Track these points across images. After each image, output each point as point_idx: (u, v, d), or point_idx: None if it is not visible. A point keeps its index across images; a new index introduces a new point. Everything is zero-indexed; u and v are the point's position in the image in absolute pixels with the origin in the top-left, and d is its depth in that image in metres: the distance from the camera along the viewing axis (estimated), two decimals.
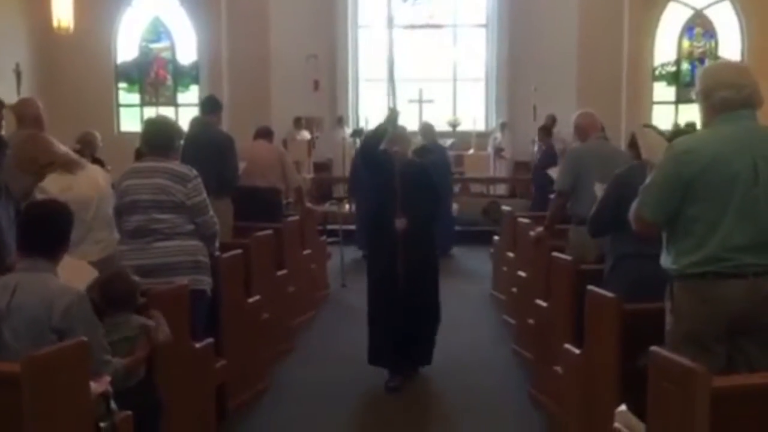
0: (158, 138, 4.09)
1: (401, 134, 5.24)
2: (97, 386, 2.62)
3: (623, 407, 2.73)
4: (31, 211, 2.97)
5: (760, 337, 2.81)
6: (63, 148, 3.95)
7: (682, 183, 2.76)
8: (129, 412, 2.77)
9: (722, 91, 2.81)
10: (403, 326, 4.91)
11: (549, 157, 8.86)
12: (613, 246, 3.75)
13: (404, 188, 4.90)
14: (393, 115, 5.22)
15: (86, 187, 3.90)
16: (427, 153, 8.72)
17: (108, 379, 2.71)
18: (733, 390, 2.24)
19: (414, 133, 10.35)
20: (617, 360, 3.15)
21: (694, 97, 3.09)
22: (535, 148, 13.13)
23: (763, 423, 2.24)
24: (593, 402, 3.29)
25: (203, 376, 3.78)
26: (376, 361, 5.02)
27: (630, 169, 3.86)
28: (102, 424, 2.58)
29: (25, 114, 4.98)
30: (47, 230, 2.87)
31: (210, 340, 3.86)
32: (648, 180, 2.93)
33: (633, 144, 4.19)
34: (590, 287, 3.42)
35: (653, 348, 2.37)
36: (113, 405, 2.69)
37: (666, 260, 2.89)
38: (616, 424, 2.66)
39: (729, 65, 3.08)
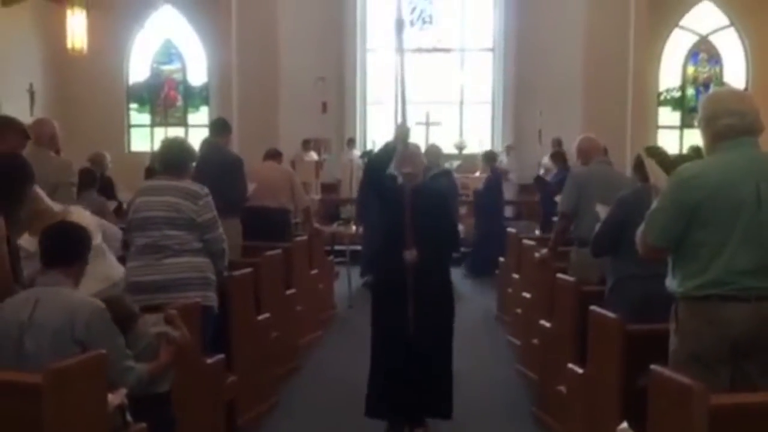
0: (173, 158, 4.19)
1: (413, 153, 4.52)
2: (113, 398, 2.71)
3: (625, 425, 2.80)
4: (50, 231, 3.07)
5: (763, 359, 2.87)
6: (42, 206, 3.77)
7: (688, 209, 2.84)
8: (144, 425, 2.85)
9: (725, 119, 2.89)
10: (412, 377, 4.28)
11: (563, 183, 9.03)
12: (614, 267, 3.84)
13: (416, 217, 4.23)
14: (402, 131, 4.50)
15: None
16: (440, 177, 8.77)
17: (124, 391, 2.80)
18: (731, 408, 2.31)
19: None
20: (619, 379, 3.22)
21: (696, 124, 3.18)
22: (541, 171, 13.26)
23: None
24: (596, 420, 3.36)
25: (214, 391, 3.86)
26: (377, 412, 4.41)
27: (634, 192, 3.95)
28: None
29: (42, 134, 5.13)
30: (65, 248, 2.97)
31: (221, 356, 3.95)
32: (654, 205, 3.02)
33: (638, 166, 4.26)
34: (593, 308, 3.50)
35: (653, 366, 2.44)
36: (129, 417, 2.78)
37: (672, 283, 2.97)
38: None
39: (731, 93, 3.17)
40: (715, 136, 2.93)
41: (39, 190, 3.76)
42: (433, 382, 4.34)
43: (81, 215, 3.82)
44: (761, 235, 2.79)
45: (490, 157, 11.14)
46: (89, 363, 2.54)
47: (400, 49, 4.98)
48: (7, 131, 4.65)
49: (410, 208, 4.22)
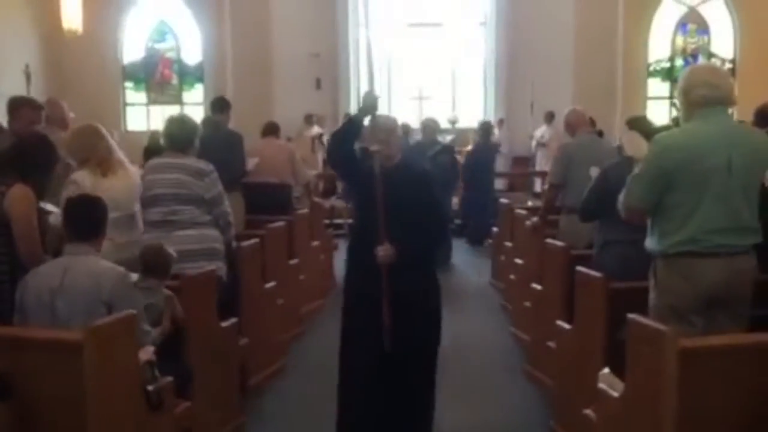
0: (178, 135, 4.39)
1: (384, 128, 3.61)
2: (143, 354, 2.99)
3: (606, 370, 3.09)
4: (72, 206, 3.30)
5: (732, 310, 3.17)
6: (105, 146, 4.17)
7: (665, 174, 3.12)
8: (170, 378, 3.13)
9: (701, 89, 3.15)
10: (387, 400, 3.59)
11: None
12: (601, 232, 4.12)
13: (391, 205, 3.43)
14: (369, 100, 3.58)
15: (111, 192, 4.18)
16: (442, 155, 8.84)
17: (152, 349, 3.08)
18: (699, 349, 2.59)
19: (416, 130, 10.73)
20: (603, 332, 3.51)
21: (675, 95, 3.46)
22: (533, 144, 13.49)
23: (725, 378, 2.58)
24: (582, 370, 3.64)
25: (229, 352, 4.14)
26: None
27: (619, 163, 4.22)
28: (149, 388, 2.94)
29: (53, 115, 5.35)
30: (86, 221, 3.22)
31: (234, 319, 4.22)
32: (635, 171, 3.29)
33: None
34: (579, 268, 3.78)
35: (630, 315, 2.72)
36: (156, 372, 3.05)
37: (651, 242, 3.26)
38: (600, 384, 3.01)
39: (708, 67, 3.48)
40: (692, 105, 3.19)
41: (112, 141, 4.20)
42: (410, 416, 3.64)
43: (133, 173, 4.23)
44: (731, 198, 3.07)
45: (485, 128, 10.78)
46: (123, 322, 2.81)
47: (366, 17, 4.28)
48: (22, 108, 4.90)
49: (382, 194, 3.42)
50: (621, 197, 3.33)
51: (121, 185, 4.05)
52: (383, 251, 3.45)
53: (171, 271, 3.71)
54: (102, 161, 4.10)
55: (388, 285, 3.47)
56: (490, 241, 8.91)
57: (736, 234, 3.11)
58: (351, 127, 3.64)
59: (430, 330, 3.66)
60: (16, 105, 4.92)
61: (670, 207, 3.14)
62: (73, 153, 4.08)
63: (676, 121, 4.33)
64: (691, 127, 3.21)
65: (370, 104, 3.60)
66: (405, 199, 3.49)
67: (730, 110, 3.27)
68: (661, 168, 3.13)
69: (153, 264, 3.62)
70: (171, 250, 3.77)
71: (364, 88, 3.53)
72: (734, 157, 3.08)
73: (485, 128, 10.80)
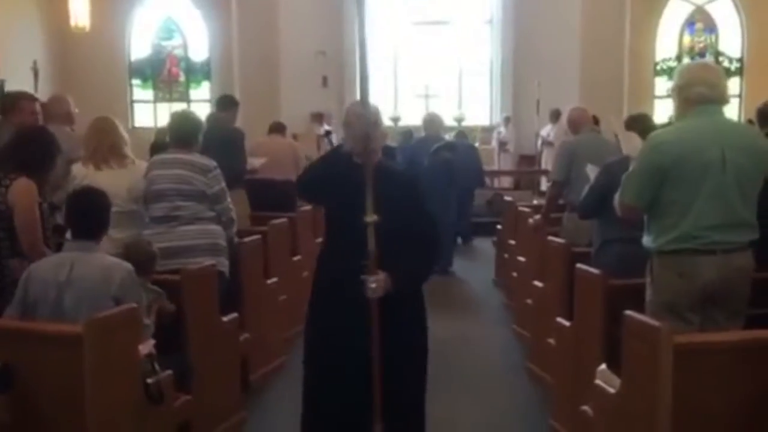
0: (182, 131, 4.42)
1: (361, 118, 3.05)
2: (143, 348, 3.01)
3: (603, 366, 3.10)
4: (75, 202, 3.32)
5: (728, 308, 3.18)
6: (110, 140, 4.24)
7: (660, 171, 3.12)
8: (170, 372, 3.16)
9: (697, 87, 3.17)
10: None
11: None
12: (600, 230, 4.13)
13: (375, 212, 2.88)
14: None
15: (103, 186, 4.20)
16: (442, 151, 8.41)
17: (152, 342, 3.11)
18: (693, 345, 2.61)
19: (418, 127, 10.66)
20: (602, 328, 3.52)
21: (669, 92, 3.46)
22: (539, 142, 13.48)
23: (719, 374, 2.60)
24: (580, 366, 3.65)
25: (230, 347, 4.16)
26: None
27: (619, 160, 4.22)
28: (149, 380, 2.97)
29: (59, 111, 5.40)
30: (90, 218, 3.25)
31: (235, 315, 4.24)
32: (630, 169, 3.30)
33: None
34: (579, 265, 3.79)
35: (627, 312, 2.73)
36: (156, 365, 3.08)
37: (647, 240, 3.26)
38: (597, 381, 3.01)
39: (703, 65, 3.48)
40: (688, 102, 3.20)
41: (121, 136, 4.31)
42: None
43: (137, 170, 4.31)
44: (725, 194, 3.08)
45: (459, 133, 10.96)
46: (124, 315, 2.83)
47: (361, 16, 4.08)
48: (18, 101, 4.92)
49: (373, 203, 2.89)
50: (617, 195, 3.34)
51: (116, 180, 4.08)
52: (377, 283, 2.86)
53: (155, 267, 3.71)
54: (96, 154, 4.14)
55: (378, 322, 2.93)
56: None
57: (732, 230, 3.11)
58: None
59: (418, 340, 3.17)
60: (13, 100, 4.92)
61: (665, 204, 3.15)
62: (83, 145, 4.15)
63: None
64: (685, 124, 3.22)
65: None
66: (389, 203, 2.91)
67: (731, 106, 3.28)
68: (655, 165, 3.14)
69: (135, 261, 3.56)
70: (155, 247, 3.78)
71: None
72: (728, 153, 3.08)
73: (459, 133, 11.03)
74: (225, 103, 6.87)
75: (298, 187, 3.48)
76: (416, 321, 3.16)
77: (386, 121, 11.24)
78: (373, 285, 2.87)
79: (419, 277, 3.10)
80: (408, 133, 10.89)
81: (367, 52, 3.13)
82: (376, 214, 2.88)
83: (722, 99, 3.20)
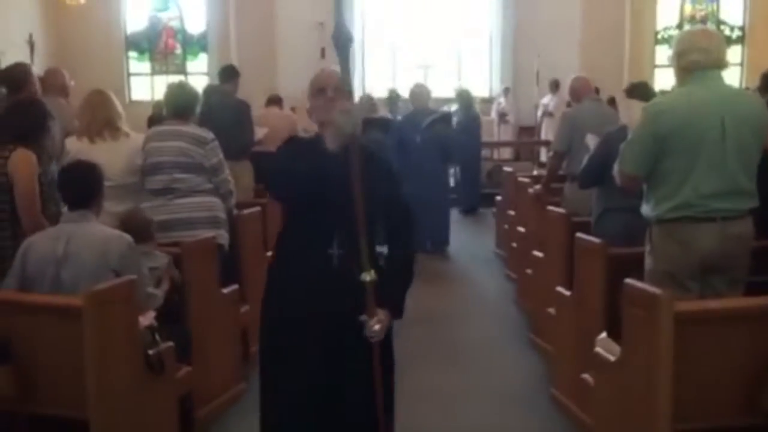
0: (179, 103, 4.38)
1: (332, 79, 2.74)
2: (143, 319, 3.02)
3: (604, 334, 3.10)
4: (66, 174, 3.30)
5: (728, 275, 3.17)
6: (104, 114, 4.21)
7: (658, 139, 3.10)
8: (171, 344, 3.16)
9: (693, 55, 3.14)
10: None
11: None
12: (599, 200, 4.11)
13: (347, 197, 2.41)
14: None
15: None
16: (437, 124, 7.99)
17: (153, 314, 3.11)
18: (694, 313, 2.61)
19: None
20: (602, 297, 3.52)
21: (668, 60, 3.42)
22: (539, 112, 13.41)
23: (719, 341, 2.60)
24: (581, 334, 3.66)
25: (231, 318, 4.17)
26: None
27: (619, 130, 4.20)
28: (150, 352, 2.97)
29: (54, 83, 5.35)
30: (83, 188, 3.22)
31: (235, 286, 4.24)
32: (629, 137, 3.27)
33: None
34: (579, 234, 3.78)
35: (626, 280, 2.72)
36: (157, 336, 3.08)
37: (646, 208, 3.25)
38: (597, 349, 3.02)
39: (700, 31, 3.43)
40: (685, 69, 3.17)
41: (115, 110, 4.28)
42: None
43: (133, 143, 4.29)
44: (725, 162, 3.05)
45: (464, 98, 10.36)
46: (123, 287, 2.83)
47: None
48: (30, 76, 4.84)
49: (359, 192, 2.41)
50: (616, 164, 3.32)
51: (111, 153, 4.05)
52: (380, 324, 2.47)
53: (152, 231, 3.71)
54: (90, 128, 4.11)
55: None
56: (480, 210, 8.83)
57: (732, 198, 3.09)
58: None
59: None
60: (23, 76, 4.82)
61: (664, 172, 3.12)
62: (78, 119, 4.12)
63: None
64: (684, 91, 3.19)
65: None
66: (367, 195, 2.43)
67: (733, 74, 3.25)
68: (654, 133, 3.11)
69: (133, 230, 3.51)
70: (150, 215, 3.85)
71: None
72: (727, 120, 3.06)
73: (464, 98, 10.41)
74: (228, 74, 6.84)
75: (269, 186, 2.99)
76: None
77: (383, 93, 11.24)
78: (377, 327, 2.47)
79: (407, 284, 2.66)
80: (394, 96, 10.12)
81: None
82: (348, 201, 2.40)
83: (718, 64, 3.17)
